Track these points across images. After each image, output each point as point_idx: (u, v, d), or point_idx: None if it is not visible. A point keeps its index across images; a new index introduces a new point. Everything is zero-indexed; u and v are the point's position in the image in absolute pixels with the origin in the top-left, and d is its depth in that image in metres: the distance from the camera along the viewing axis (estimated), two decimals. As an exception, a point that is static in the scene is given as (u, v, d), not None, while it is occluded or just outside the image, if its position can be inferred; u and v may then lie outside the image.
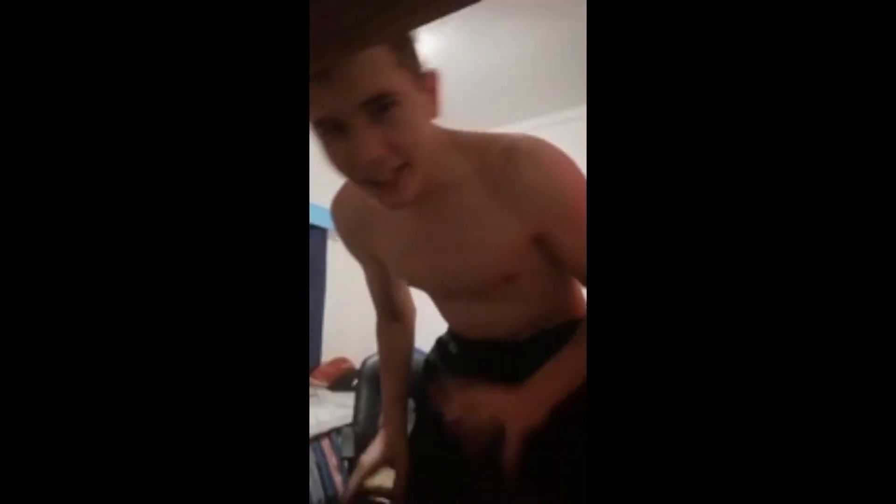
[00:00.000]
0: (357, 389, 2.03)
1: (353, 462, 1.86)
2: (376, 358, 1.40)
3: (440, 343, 0.90)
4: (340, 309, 3.37)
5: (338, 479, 2.18)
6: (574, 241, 0.63)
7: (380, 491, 0.93)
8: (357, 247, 0.79)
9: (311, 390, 2.64)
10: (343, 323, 3.32)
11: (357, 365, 2.36)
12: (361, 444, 1.80)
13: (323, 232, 3.28)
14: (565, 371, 0.64)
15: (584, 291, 0.79)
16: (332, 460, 2.21)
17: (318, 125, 0.55)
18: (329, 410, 2.33)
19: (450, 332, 0.87)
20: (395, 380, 0.88)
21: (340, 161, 0.56)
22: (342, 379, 2.80)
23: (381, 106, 0.53)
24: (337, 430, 2.25)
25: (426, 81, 0.59)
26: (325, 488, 2.13)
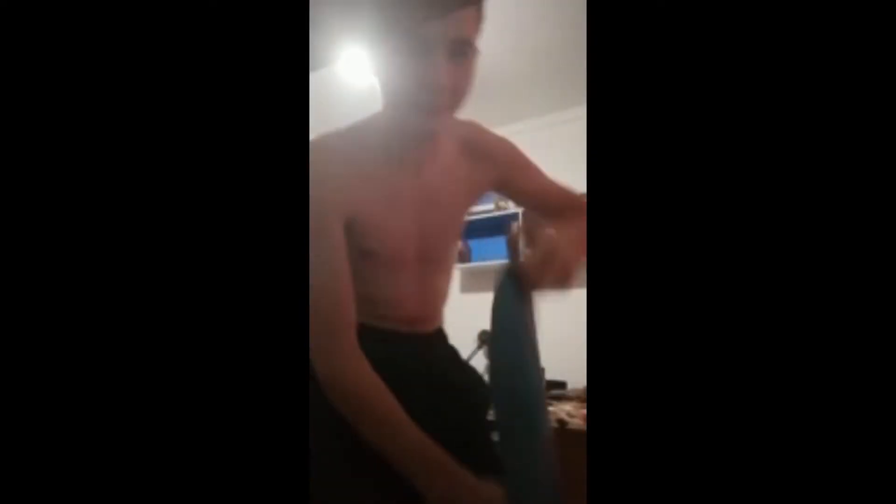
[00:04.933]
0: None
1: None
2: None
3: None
4: (340, 309, 3.36)
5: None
6: (532, 181, 0.79)
7: None
8: (339, 203, 0.64)
9: (312, 390, 2.64)
10: (343, 323, 3.31)
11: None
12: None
13: (323, 232, 3.27)
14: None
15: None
16: (333, 460, 2.21)
17: (413, 39, 0.59)
18: (329, 410, 2.31)
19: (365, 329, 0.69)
20: (410, 425, 0.60)
21: (405, 78, 0.61)
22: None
23: (461, 51, 0.61)
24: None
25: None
26: (325, 488, 2.12)
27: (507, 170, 0.78)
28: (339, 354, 0.61)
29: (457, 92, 0.64)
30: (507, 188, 0.80)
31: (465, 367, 0.83)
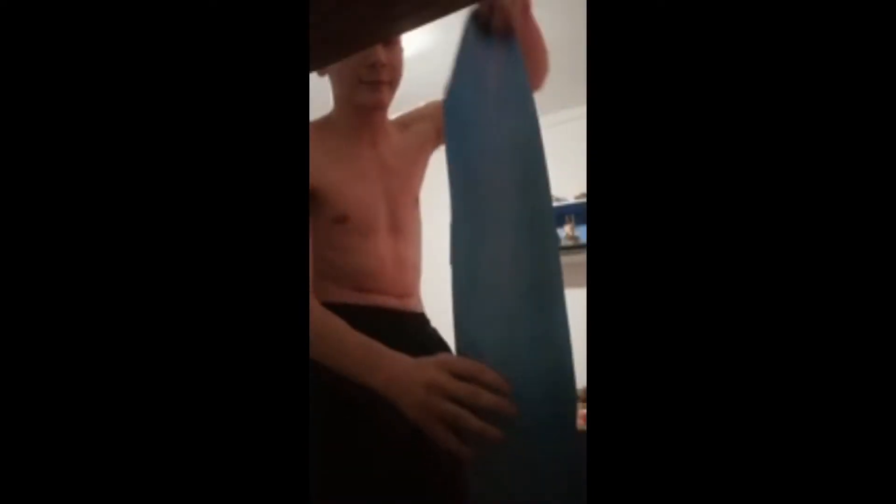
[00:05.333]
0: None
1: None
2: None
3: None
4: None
5: (338, 479, 2.16)
6: None
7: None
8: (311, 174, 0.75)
9: (312, 390, 2.63)
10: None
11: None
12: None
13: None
14: None
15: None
16: (333, 460, 2.21)
17: None
18: (329, 410, 2.31)
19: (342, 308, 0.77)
20: (350, 331, 0.68)
21: (352, 64, 0.79)
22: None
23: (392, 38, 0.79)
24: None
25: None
26: (325, 488, 2.12)
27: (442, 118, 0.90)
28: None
29: (393, 69, 0.82)
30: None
31: (447, 348, 0.88)
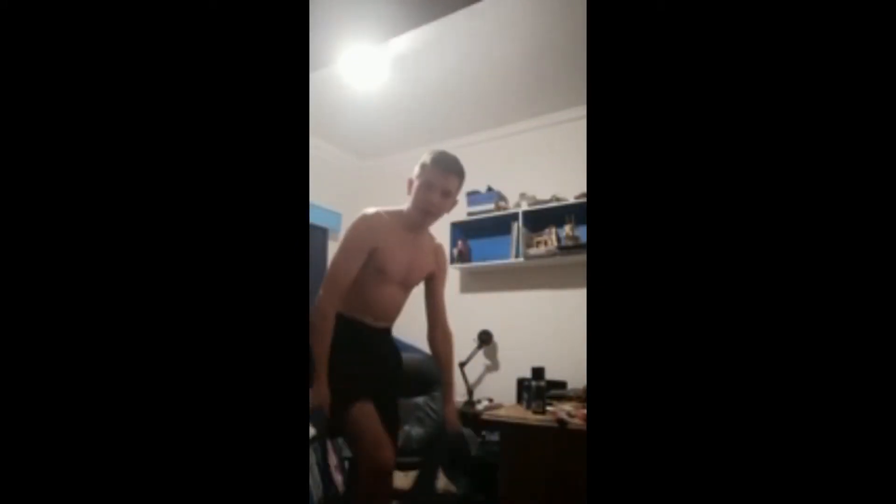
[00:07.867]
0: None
1: (353, 462, 1.86)
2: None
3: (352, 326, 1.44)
4: (340, 309, 3.36)
5: (338, 478, 2.17)
6: (438, 284, 1.60)
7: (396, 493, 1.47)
8: (369, 239, 1.38)
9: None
10: (343, 323, 3.30)
11: (357, 365, 2.35)
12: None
13: (323, 232, 3.28)
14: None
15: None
16: (333, 460, 2.21)
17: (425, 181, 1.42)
18: (329, 410, 2.31)
19: (354, 321, 1.45)
20: (326, 345, 1.34)
21: (420, 199, 1.40)
22: (342, 379, 2.79)
23: (447, 194, 1.42)
24: (337, 431, 2.24)
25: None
26: (325, 488, 2.12)
27: (438, 271, 1.57)
28: (325, 302, 1.34)
29: (441, 211, 1.42)
30: (431, 280, 1.58)
31: (398, 352, 1.59)
